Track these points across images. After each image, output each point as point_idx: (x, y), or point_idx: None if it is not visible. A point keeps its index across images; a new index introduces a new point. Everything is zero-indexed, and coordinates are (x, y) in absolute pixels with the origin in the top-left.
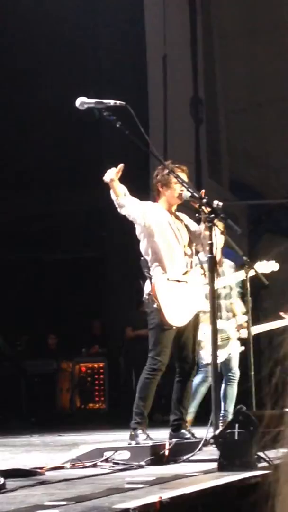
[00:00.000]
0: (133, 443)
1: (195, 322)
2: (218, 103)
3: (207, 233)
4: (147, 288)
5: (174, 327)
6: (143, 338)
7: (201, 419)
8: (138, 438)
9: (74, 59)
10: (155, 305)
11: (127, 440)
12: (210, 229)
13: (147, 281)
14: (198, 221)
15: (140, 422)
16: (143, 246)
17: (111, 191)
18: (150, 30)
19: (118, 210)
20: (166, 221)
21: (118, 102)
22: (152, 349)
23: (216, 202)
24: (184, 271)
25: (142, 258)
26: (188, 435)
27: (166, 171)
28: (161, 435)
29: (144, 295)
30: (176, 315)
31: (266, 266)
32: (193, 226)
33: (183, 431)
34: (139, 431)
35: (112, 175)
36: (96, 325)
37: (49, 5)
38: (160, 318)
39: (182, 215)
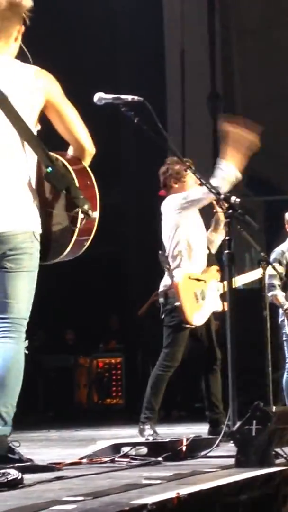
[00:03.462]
0: (140, 437)
1: (207, 320)
2: (236, 98)
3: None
4: (166, 282)
5: (193, 326)
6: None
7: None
8: (144, 432)
9: (91, 55)
10: (177, 303)
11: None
12: (228, 225)
13: (166, 276)
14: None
15: (150, 417)
16: (170, 239)
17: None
18: (168, 25)
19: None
20: (193, 216)
21: (136, 97)
22: (168, 346)
23: (233, 198)
24: (204, 268)
25: (160, 252)
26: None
27: (178, 166)
28: (178, 431)
29: (162, 289)
30: (196, 314)
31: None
32: None
33: (222, 426)
34: (147, 426)
35: None
36: (113, 321)
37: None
38: (182, 316)
39: None
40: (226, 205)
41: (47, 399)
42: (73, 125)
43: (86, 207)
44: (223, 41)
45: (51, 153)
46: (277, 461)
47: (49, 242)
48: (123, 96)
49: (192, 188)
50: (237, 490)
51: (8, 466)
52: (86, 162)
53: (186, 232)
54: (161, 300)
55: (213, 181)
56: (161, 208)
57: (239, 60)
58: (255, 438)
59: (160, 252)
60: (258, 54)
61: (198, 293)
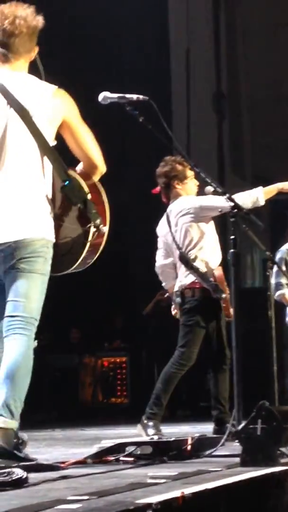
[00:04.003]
0: (142, 433)
1: (219, 318)
2: (241, 98)
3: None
4: (183, 282)
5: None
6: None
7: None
8: (148, 430)
9: (96, 54)
10: (223, 295)
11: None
12: (233, 224)
13: (183, 276)
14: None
15: (157, 413)
16: (187, 241)
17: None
18: (174, 24)
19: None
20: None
21: (141, 96)
22: (185, 345)
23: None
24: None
25: (181, 252)
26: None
27: (181, 167)
28: (183, 430)
29: (178, 289)
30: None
31: None
32: None
33: (227, 425)
34: (151, 423)
35: None
36: (118, 320)
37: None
38: (225, 310)
39: None
40: (232, 204)
41: (52, 398)
42: (87, 145)
43: (98, 221)
44: (228, 40)
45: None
46: (282, 460)
47: (59, 254)
48: (128, 95)
49: (210, 196)
50: (242, 489)
51: (13, 464)
52: (95, 179)
53: (203, 233)
54: (178, 300)
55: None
56: (177, 208)
57: (244, 60)
58: (260, 437)
59: (181, 252)
60: (263, 53)
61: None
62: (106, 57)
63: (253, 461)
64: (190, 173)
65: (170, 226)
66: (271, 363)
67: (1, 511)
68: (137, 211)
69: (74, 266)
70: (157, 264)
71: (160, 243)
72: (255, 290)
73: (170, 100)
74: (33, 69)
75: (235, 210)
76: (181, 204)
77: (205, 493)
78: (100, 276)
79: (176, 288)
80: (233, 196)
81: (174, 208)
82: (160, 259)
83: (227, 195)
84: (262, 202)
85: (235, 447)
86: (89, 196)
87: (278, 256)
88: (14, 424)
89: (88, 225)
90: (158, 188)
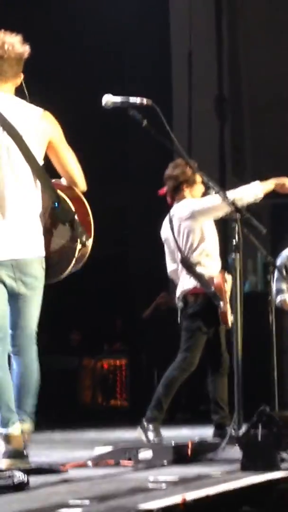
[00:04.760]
0: (143, 436)
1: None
2: (243, 101)
3: None
4: (185, 286)
5: (229, 327)
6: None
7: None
8: (148, 433)
9: (97, 56)
10: (221, 303)
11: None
12: (234, 229)
13: (186, 280)
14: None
15: (158, 417)
16: (189, 245)
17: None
18: (175, 27)
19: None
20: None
21: (145, 100)
22: (187, 350)
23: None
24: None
25: (184, 257)
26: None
27: (190, 171)
28: (183, 434)
29: (181, 294)
30: (230, 316)
31: None
32: None
33: (227, 428)
34: (151, 426)
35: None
36: (118, 322)
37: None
38: (222, 318)
39: None
40: (233, 208)
41: (51, 400)
42: (70, 166)
43: (84, 238)
44: (230, 43)
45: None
46: (283, 465)
47: (50, 264)
48: (131, 99)
49: (209, 196)
50: (243, 494)
51: (15, 467)
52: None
53: (204, 238)
54: (180, 304)
55: (232, 191)
56: (178, 213)
57: (246, 63)
58: (261, 443)
59: (183, 256)
60: (266, 56)
61: (228, 295)
62: (107, 60)
63: (253, 466)
64: (199, 178)
65: (172, 230)
66: (271, 368)
67: None
68: (137, 213)
69: (62, 277)
70: (168, 270)
71: (166, 248)
72: (256, 295)
73: (172, 102)
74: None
75: (238, 214)
76: (183, 208)
77: (207, 498)
78: (100, 278)
79: (178, 293)
80: (233, 190)
81: (176, 212)
82: (170, 265)
83: (230, 199)
84: (261, 194)
85: (236, 451)
86: (76, 216)
87: (278, 261)
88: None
89: (75, 244)
90: (164, 189)
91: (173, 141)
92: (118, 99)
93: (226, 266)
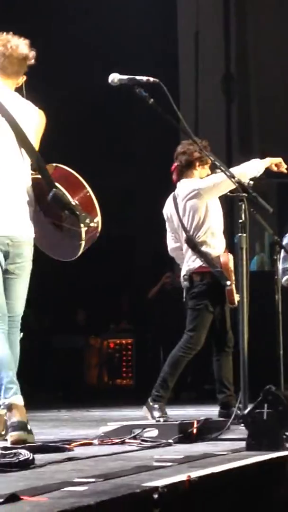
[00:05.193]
0: (148, 415)
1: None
2: (250, 80)
3: None
4: (191, 266)
5: (235, 306)
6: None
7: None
8: (153, 412)
9: (104, 36)
10: (228, 282)
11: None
12: (241, 208)
13: (191, 259)
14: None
15: (163, 395)
16: (194, 224)
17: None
18: (183, 6)
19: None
20: (213, 200)
21: (151, 78)
22: (193, 330)
23: (246, 181)
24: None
25: (188, 235)
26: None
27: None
28: (188, 413)
29: (186, 273)
30: (236, 295)
31: None
32: None
33: (232, 408)
34: (157, 405)
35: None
36: (124, 302)
37: None
38: (229, 297)
39: None
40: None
41: (58, 379)
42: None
43: (87, 221)
44: (238, 23)
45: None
46: None
47: (63, 245)
48: (138, 77)
49: (212, 175)
50: (248, 473)
51: (20, 446)
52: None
53: (209, 217)
54: (186, 284)
55: (233, 168)
56: (183, 191)
57: (254, 42)
58: (266, 422)
59: (188, 235)
60: (273, 35)
61: (233, 274)
62: (114, 39)
63: (258, 445)
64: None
65: (177, 210)
66: (277, 347)
67: (8, 493)
68: (143, 194)
69: (76, 256)
70: (168, 248)
71: (168, 226)
72: (262, 274)
73: (179, 82)
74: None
75: (244, 193)
76: (188, 187)
77: (212, 477)
78: (107, 258)
79: (183, 272)
80: (235, 167)
81: (181, 191)
82: (171, 243)
83: (236, 179)
84: (262, 170)
85: (241, 430)
86: (73, 202)
87: (285, 240)
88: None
89: (79, 228)
90: (175, 165)
91: (180, 119)
92: (124, 77)
93: (233, 246)
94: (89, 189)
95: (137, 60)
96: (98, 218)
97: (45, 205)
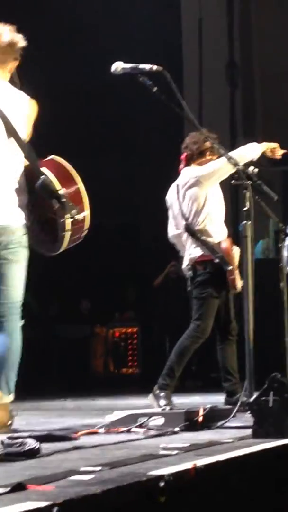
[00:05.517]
0: (154, 403)
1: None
2: (254, 68)
3: None
4: (193, 254)
5: (238, 291)
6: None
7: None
8: (159, 400)
9: (107, 24)
10: (229, 267)
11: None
12: (245, 196)
13: (193, 248)
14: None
15: (169, 384)
16: (194, 211)
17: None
18: None
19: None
20: (214, 188)
21: (155, 67)
22: (199, 318)
23: (251, 168)
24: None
25: (188, 223)
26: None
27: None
28: (194, 401)
29: (189, 262)
30: (239, 280)
31: None
32: None
33: (238, 396)
34: (163, 394)
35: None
36: (130, 290)
37: None
38: (231, 282)
39: None
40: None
41: (63, 368)
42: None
43: (74, 212)
44: (242, 10)
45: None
46: None
47: (47, 240)
48: (141, 66)
49: (211, 162)
50: (254, 461)
51: (24, 435)
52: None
53: (209, 204)
54: (190, 273)
55: (231, 152)
56: (184, 179)
57: (257, 29)
58: (272, 409)
59: (187, 223)
60: (277, 22)
61: (237, 260)
62: (117, 26)
63: (265, 432)
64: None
65: (178, 198)
66: (282, 335)
67: (15, 482)
68: (148, 182)
69: (61, 248)
70: (169, 235)
71: (169, 213)
72: (267, 262)
73: (182, 70)
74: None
75: (248, 181)
76: (188, 176)
77: (218, 464)
78: (112, 246)
79: (186, 261)
80: (233, 151)
81: (182, 179)
82: (172, 230)
83: (240, 167)
84: (259, 153)
85: (247, 418)
86: (61, 191)
87: None
88: (11, 398)
89: (64, 218)
90: (184, 154)
91: (184, 108)
92: (128, 65)
93: (237, 234)
94: (81, 184)
95: (140, 48)
96: (86, 214)
97: (35, 196)
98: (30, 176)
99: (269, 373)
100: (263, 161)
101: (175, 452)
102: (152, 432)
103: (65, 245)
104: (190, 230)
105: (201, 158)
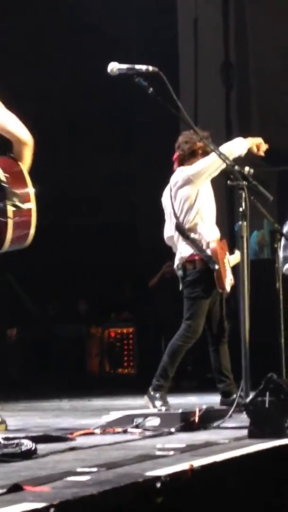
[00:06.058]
0: (149, 404)
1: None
2: (249, 68)
3: None
4: (183, 254)
5: (226, 291)
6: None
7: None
8: (155, 401)
9: (103, 24)
10: (216, 266)
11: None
12: (241, 196)
13: (184, 248)
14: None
15: (163, 385)
16: (185, 210)
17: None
18: None
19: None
20: (205, 187)
21: (150, 67)
22: (190, 318)
23: (247, 169)
24: (218, 237)
25: (178, 222)
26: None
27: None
28: (189, 402)
29: (179, 262)
30: (227, 280)
31: None
32: None
33: (233, 396)
34: (158, 394)
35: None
36: (126, 291)
37: None
38: (218, 281)
39: None
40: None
41: (59, 368)
42: (6, 123)
43: (15, 199)
44: (237, 9)
45: None
46: None
47: None
48: (137, 66)
49: (200, 160)
50: (250, 461)
51: (21, 436)
52: (27, 154)
53: (200, 203)
54: (180, 273)
55: (220, 147)
56: (175, 179)
57: (253, 29)
58: (268, 410)
59: (177, 222)
60: (273, 22)
61: (225, 260)
62: (113, 26)
63: (261, 433)
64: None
65: (171, 198)
66: (278, 335)
67: (11, 483)
68: (145, 181)
69: (6, 246)
70: (165, 236)
71: (165, 215)
72: (262, 262)
73: (178, 69)
74: None
75: (244, 182)
76: (179, 176)
77: (214, 465)
78: (108, 246)
79: (176, 261)
80: (222, 146)
81: (173, 179)
82: (167, 231)
83: (228, 162)
84: (246, 149)
85: (243, 419)
86: (2, 177)
87: (285, 228)
88: None
89: (5, 204)
90: (177, 154)
91: (179, 108)
92: (124, 66)
93: (233, 234)
94: (24, 168)
95: (135, 48)
96: (31, 206)
97: None
98: None
99: (265, 374)
100: (259, 161)
101: (172, 452)
102: (148, 433)
103: (9, 235)
104: (180, 228)
105: (193, 158)
